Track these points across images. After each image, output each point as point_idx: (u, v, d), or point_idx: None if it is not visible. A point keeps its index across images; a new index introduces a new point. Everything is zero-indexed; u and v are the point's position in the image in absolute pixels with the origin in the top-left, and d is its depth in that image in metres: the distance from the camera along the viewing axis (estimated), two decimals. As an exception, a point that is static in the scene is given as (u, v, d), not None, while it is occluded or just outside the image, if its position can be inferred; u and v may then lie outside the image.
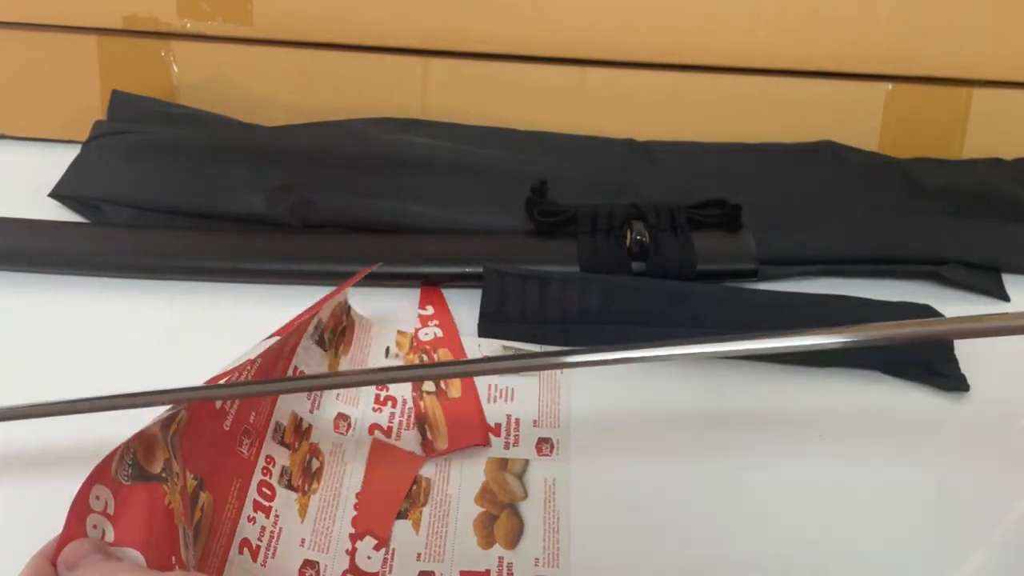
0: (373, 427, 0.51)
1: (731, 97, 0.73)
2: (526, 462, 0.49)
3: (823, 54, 0.71)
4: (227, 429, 0.44)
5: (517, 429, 0.51)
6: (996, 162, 0.71)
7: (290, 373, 0.50)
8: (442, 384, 0.51)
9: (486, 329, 0.57)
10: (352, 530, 0.45)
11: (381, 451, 0.49)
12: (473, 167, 0.68)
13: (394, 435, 0.50)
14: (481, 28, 0.71)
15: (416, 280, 0.60)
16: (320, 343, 0.53)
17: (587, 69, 0.73)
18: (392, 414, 0.52)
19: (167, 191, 0.65)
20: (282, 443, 0.47)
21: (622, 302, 0.57)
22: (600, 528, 0.46)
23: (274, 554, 0.43)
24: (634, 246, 0.60)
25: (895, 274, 0.62)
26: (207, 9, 0.71)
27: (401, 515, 0.46)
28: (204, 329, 0.57)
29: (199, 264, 0.60)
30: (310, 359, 0.51)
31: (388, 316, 0.58)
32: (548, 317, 0.57)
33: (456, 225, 0.64)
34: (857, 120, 0.72)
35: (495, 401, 0.53)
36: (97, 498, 0.34)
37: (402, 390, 0.53)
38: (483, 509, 0.47)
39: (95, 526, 0.33)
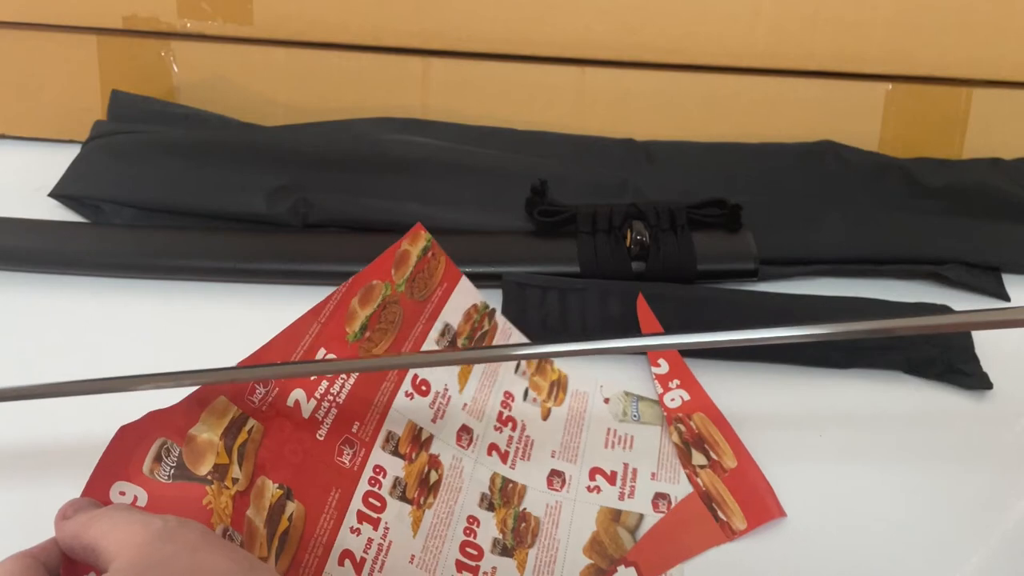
0: (492, 447, 0.49)
1: (731, 97, 0.73)
2: (640, 516, 0.47)
3: (823, 54, 0.71)
4: (322, 439, 0.43)
5: (634, 480, 0.49)
6: (996, 162, 0.71)
7: (407, 382, 0.47)
8: (712, 454, 0.48)
9: (510, 311, 0.57)
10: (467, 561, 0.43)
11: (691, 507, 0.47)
12: (473, 167, 0.68)
13: (509, 462, 0.48)
14: (481, 28, 0.71)
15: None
16: (452, 348, 0.50)
17: (587, 69, 0.73)
18: (511, 438, 0.49)
19: (167, 191, 0.65)
20: (395, 453, 0.45)
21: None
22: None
23: (381, 568, 0.41)
24: (634, 246, 0.60)
25: (895, 274, 0.62)
26: (207, 9, 0.71)
27: (506, 552, 0.44)
28: (204, 329, 0.57)
29: (199, 264, 0.60)
30: (434, 367, 0.49)
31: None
32: (569, 326, 0.57)
33: (456, 225, 0.64)
34: (857, 120, 0.72)
35: (612, 447, 0.50)
36: (122, 494, 0.34)
37: (524, 414, 0.51)
38: (591, 561, 0.44)
39: None
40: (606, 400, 0.53)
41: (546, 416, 0.52)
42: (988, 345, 0.56)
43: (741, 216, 0.62)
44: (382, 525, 0.43)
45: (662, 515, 0.47)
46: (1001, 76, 0.70)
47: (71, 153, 0.68)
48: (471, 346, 0.52)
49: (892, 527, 0.46)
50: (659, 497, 0.48)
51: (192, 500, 0.36)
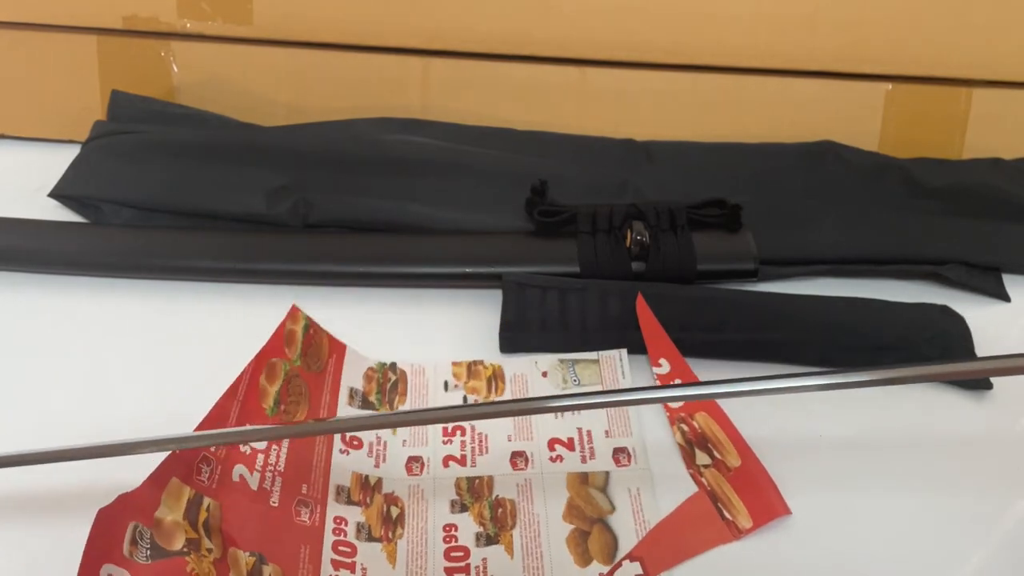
0: (448, 459, 0.50)
1: (731, 97, 0.73)
2: (607, 474, 0.49)
3: (823, 54, 0.71)
4: (276, 505, 0.44)
5: (591, 441, 0.51)
6: (996, 162, 0.71)
7: (337, 439, 0.49)
8: (716, 454, 0.49)
9: (508, 340, 0.57)
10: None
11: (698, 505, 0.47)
12: (473, 167, 0.68)
13: (468, 463, 0.50)
14: (481, 28, 0.71)
15: (416, 280, 0.60)
16: (365, 406, 0.52)
17: (587, 69, 0.73)
18: (463, 443, 0.51)
19: (167, 191, 0.65)
20: (349, 502, 0.47)
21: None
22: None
23: None
24: (634, 246, 0.60)
25: (895, 274, 0.62)
26: (207, 9, 0.71)
27: (491, 540, 0.46)
28: (204, 329, 0.57)
29: (199, 264, 0.60)
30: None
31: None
32: (569, 325, 0.57)
33: (456, 225, 0.64)
34: (857, 120, 0.72)
35: (562, 416, 0.52)
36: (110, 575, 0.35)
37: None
38: (573, 526, 0.46)
39: None
40: (544, 374, 0.55)
41: None
42: (988, 345, 0.56)
43: (741, 216, 0.62)
44: (359, 567, 0.44)
45: (625, 468, 0.49)
46: (1001, 76, 0.70)
47: (71, 153, 0.68)
48: (385, 397, 0.53)
49: (894, 525, 0.46)
50: (618, 452, 0.50)
51: (177, 571, 0.38)
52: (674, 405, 0.52)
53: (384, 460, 0.49)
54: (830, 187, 0.68)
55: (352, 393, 0.52)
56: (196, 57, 0.73)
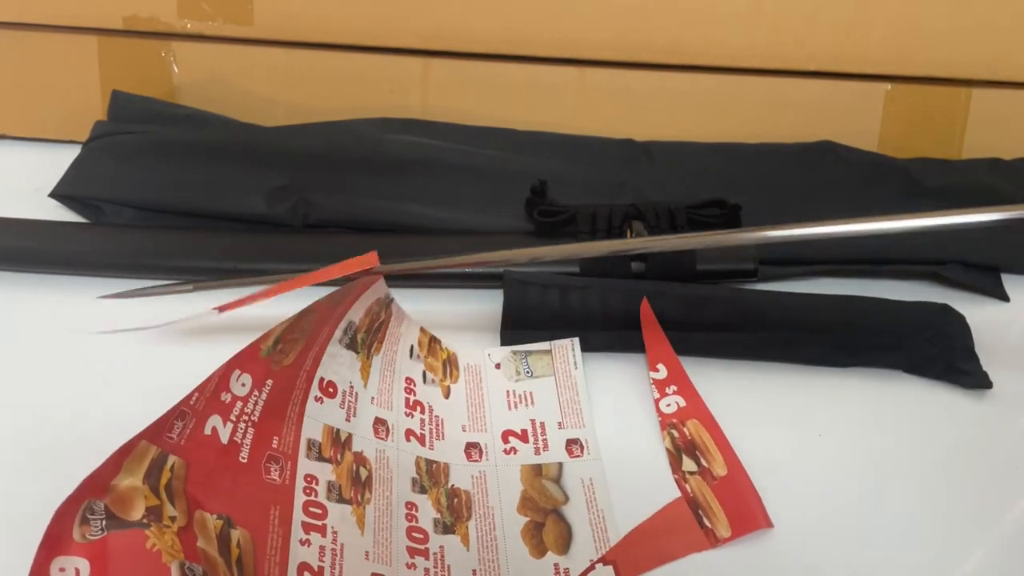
0: (409, 433, 0.50)
1: (731, 97, 0.73)
2: (560, 465, 0.49)
3: (823, 54, 0.71)
4: (245, 461, 0.43)
5: (544, 433, 0.51)
6: (995, 162, 0.71)
7: (314, 386, 0.48)
8: (703, 461, 0.49)
9: (509, 337, 0.57)
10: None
11: (676, 513, 0.47)
12: (473, 167, 0.68)
13: (427, 443, 0.50)
14: (481, 28, 0.71)
15: (416, 280, 0.60)
16: (351, 346, 0.51)
17: (587, 69, 0.73)
18: (423, 420, 0.51)
19: (167, 191, 0.65)
20: (320, 458, 0.46)
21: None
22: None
23: (340, 572, 0.42)
24: (634, 246, 0.60)
25: (895, 274, 0.62)
26: (207, 9, 0.71)
27: (448, 530, 0.46)
28: (204, 329, 0.57)
29: (199, 264, 0.60)
30: (339, 366, 0.50)
31: (416, 314, 0.57)
32: (570, 323, 0.57)
33: (456, 225, 0.64)
34: (857, 120, 0.72)
35: (515, 407, 0.53)
36: (62, 570, 0.33)
37: (428, 396, 0.53)
38: (528, 518, 0.47)
39: None
40: (497, 365, 0.55)
41: (447, 394, 0.53)
42: (986, 345, 0.56)
43: (741, 216, 0.62)
44: (329, 530, 0.44)
45: (578, 459, 0.49)
46: (1000, 76, 0.70)
47: (71, 153, 0.68)
48: (369, 338, 0.53)
49: (888, 534, 0.46)
50: (571, 443, 0.50)
51: (135, 547, 0.36)
52: (667, 410, 0.52)
53: (355, 414, 0.49)
54: (830, 187, 0.68)
55: (348, 327, 0.51)
56: (197, 57, 0.73)
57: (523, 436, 0.51)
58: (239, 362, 0.44)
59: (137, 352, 0.55)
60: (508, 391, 0.54)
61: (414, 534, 0.45)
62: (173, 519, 0.38)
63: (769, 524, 0.46)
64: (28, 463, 0.48)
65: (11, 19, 0.72)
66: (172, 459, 0.40)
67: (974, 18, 0.69)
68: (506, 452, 0.50)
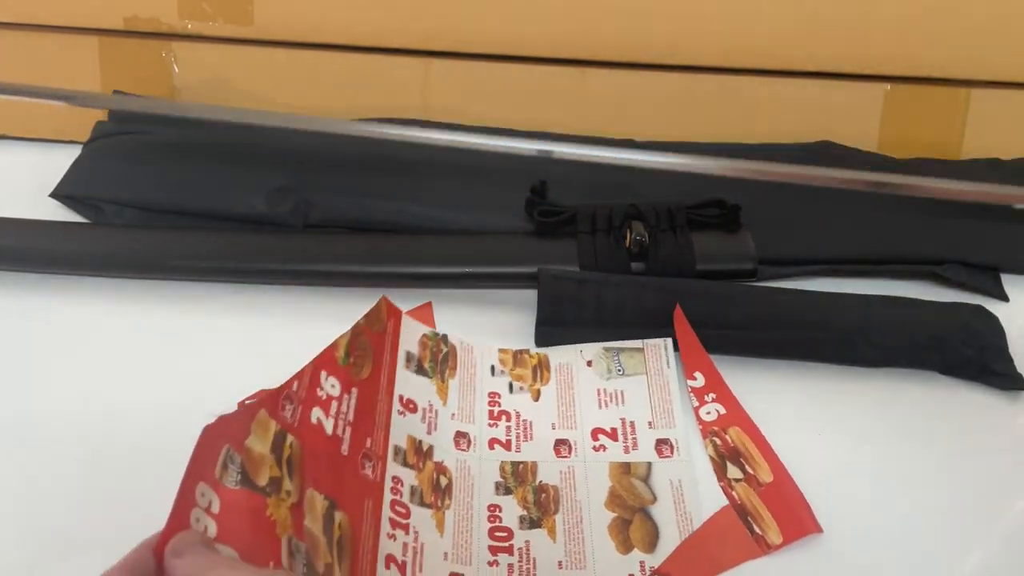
0: (493, 441, 0.51)
1: (731, 97, 0.73)
2: (648, 465, 0.50)
3: (822, 54, 0.71)
4: (346, 454, 0.45)
5: (634, 432, 0.51)
6: (995, 163, 0.71)
7: (395, 402, 0.50)
8: (748, 468, 0.49)
9: (544, 335, 0.57)
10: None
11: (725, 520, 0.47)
12: (473, 167, 0.68)
13: (513, 448, 0.51)
14: (481, 28, 0.71)
15: (416, 280, 0.60)
16: (420, 372, 0.53)
17: (587, 69, 0.73)
18: (508, 428, 0.52)
19: (167, 191, 0.65)
20: (405, 464, 0.48)
21: (679, 303, 0.57)
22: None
23: (421, 569, 0.44)
24: (634, 246, 0.60)
25: (895, 274, 0.62)
26: (208, 10, 0.71)
27: (534, 524, 0.47)
28: (204, 329, 0.57)
29: (199, 264, 0.61)
30: (414, 388, 0.51)
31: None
32: (605, 319, 0.57)
33: (456, 225, 0.64)
34: (857, 120, 0.72)
35: (606, 406, 0.53)
36: (202, 495, 0.34)
37: (515, 404, 0.53)
38: (615, 514, 0.47)
39: (198, 520, 0.33)
40: (589, 363, 0.55)
41: (537, 397, 0.54)
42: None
43: (740, 216, 0.62)
44: (412, 529, 0.45)
45: (667, 459, 0.49)
46: (1000, 77, 0.70)
47: (71, 153, 0.68)
48: (438, 367, 0.54)
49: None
50: (661, 443, 0.51)
51: (258, 511, 0.37)
52: (707, 418, 0.52)
53: (435, 428, 0.50)
54: (830, 187, 0.68)
55: (408, 357, 0.53)
56: (197, 58, 0.73)
57: (612, 435, 0.51)
58: (323, 364, 0.45)
59: (138, 352, 0.55)
60: (599, 389, 0.54)
61: (497, 533, 0.46)
62: (288, 493, 0.39)
63: (819, 529, 0.46)
64: (28, 463, 0.48)
65: (11, 19, 0.72)
66: (290, 438, 0.41)
67: (974, 18, 0.69)
68: (595, 449, 0.51)
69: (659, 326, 0.56)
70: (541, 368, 0.55)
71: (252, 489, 0.37)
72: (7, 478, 0.47)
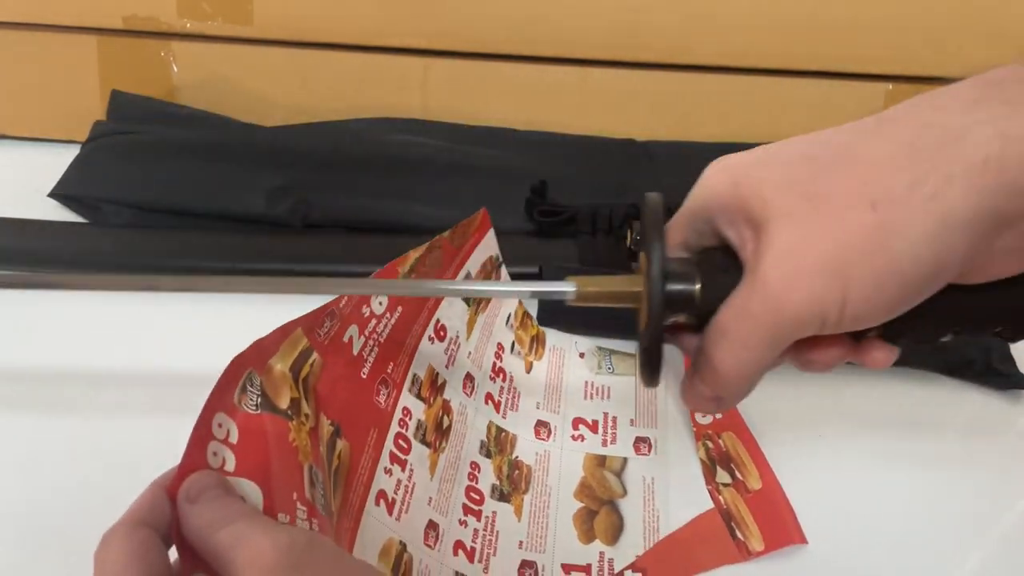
0: (487, 396, 0.51)
1: (731, 97, 0.73)
2: (624, 460, 0.50)
3: (823, 54, 0.71)
4: (364, 377, 0.43)
5: (615, 427, 0.52)
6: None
7: (431, 326, 0.49)
8: (738, 474, 0.49)
9: (546, 319, 0.57)
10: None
11: (710, 522, 0.47)
12: (473, 167, 0.68)
13: (502, 411, 0.51)
14: (481, 28, 0.71)
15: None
16: (466, 298, 0.52)
17: (587, 69, 0.73)
18: (502, 388, 0.52)
19: (167, 191, 0.65)
20: (419, 396, 0.47)
21: None
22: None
23: (407, 509, 0.43)
24: (634, 246, 0.60)
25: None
26: (207, 9, 0.71)
27: (503, 497, 0.47)
28: (204, 329, 0.57)
29: (199, 264, 0.60)
30: (453, 313, 0.50)
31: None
32: (605, 323, 0.57)
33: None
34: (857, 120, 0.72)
35: (591, 398, 0.53)
36: (220, 426, 0.32)
37: (511, 366, 0.54)
38: (582, 504, 0.48)
39: (215, 453, 0.32)
40: (581, 355, 0.56)
41: (529, 369, 0.54)
42: None
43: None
44: (408, 467, 0.44)
45: (644, 456, 0.50)
46: (1001, 76, 0.70)
47: (71, 153, 0.68)
48: (473, 318, 0.53)
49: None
50: (640, 441, 0.51)
51: (280, 436, 0.35)
52: (702, 421, 0.52)
53: (453, 363, 0.50)
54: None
55: (466, 277, 0.52)
56: (196, 57, 0.73)
57: (593, 426, 0.52)
58: (382, 278, 0.44)
59: (138, 352, 0.55)
60: (587, 382, 0.55)
61: (472, 494, 0.46)
62: (307, 417, 0.38)
63: (803, 540, 0.45)
64: (28, 463, 0.48)
65: (10, 19, 0.72)
66: (314, 355, 0.39)
67: (974, 18, 0.69)
68: (574, 438, 0.51)
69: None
70: (537, 342, 0.56)
71: (274, 412, 0.35)
72: (7, 478, 0.47)
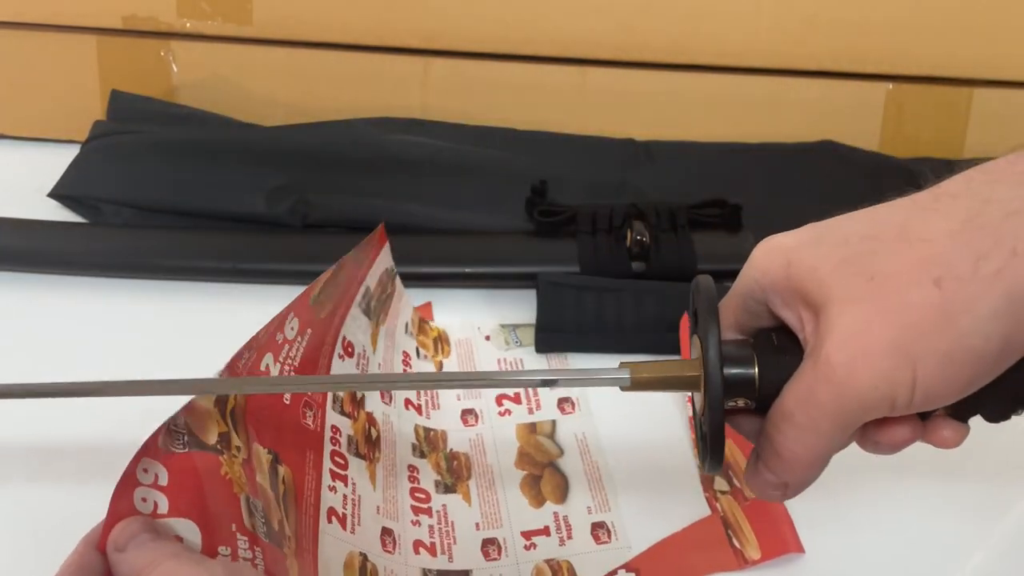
0: (408, 402, 0.52)
1: (731, 97, 0.73)
2: (553, 422, 0.52)
3: (823, 54, 0.71)
4: (288, 403, 0.43)
5: (536, 394, 0.53)
6: (996, 162, 0.71)
7: (339, 343, 0.49)
8: (736, 482, 0.49)
9: (544, 341, 0.57)
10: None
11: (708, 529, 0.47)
12: (473, 167, 0.68)
13: (424, 413, 0.52)
14: (481, 28, 0.71)
15: (416, 280, 0.60)
16: (367, 312, 0.52)
17: (587, 69, 0.73)
18: (418, 392, 0.53)
19: (167, 191, 0.65)
20: (343, 413, 0.47)
21: (680, 309, 0.56)
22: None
23: (359, 522, 0.43)
24: (634, 246, 0.60)
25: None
26: (207, 9, 0.71)
27: (449, 489, 0.48)
28: (203, 330, 0.57)
29: (199, 264, 0.60)
30: (357, 328, 0.51)
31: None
32: (606, 325, 0.57)
33: (456, 225, 0.64)
34: (857, 120, 0.72)
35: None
36: (145, 471, 0.32)
37: (420, 369, 0.55)
38: (525, 472, 0.49)
39: (144, 499, 0.32)
40: (487, 337, 0.58)
41: (439, 369, 0.56)
42: None
43: (741, 216, 0.62)
44: (350, 481, 0.45)
45: (570, 415, 0.52)
46: (1002, 76, 0.70)
47: (71, 153, 0.68)
48: (379, 307, 0.54)
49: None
50: (562, 402, 0.53)
51: (211, 471, 0.35)
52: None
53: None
54: (830, 187, 0.68)
55: (366, 292, 0.53)
56: (196, 57, 0.73)
57: (516, 399, 0.53)
58: (294, 306, 0.44)
59: (138, 352, 0.55)
60: (499, 359, 0.56)
61: (417, 494, 0.47)
62: (239, 449, 0.38)
63: (800, 549, 0.45)
64: (28, 463, 0.48)
65: (10, 19, 0.72)
66: None
67: (975, 18, 0.69)
68: (500, 414, 0.52)
69: (660, 331, 0.56)
70: (441, 342, 0.57)
71: (203, 449, 0.35)
72: (7, 478, 0.47)
